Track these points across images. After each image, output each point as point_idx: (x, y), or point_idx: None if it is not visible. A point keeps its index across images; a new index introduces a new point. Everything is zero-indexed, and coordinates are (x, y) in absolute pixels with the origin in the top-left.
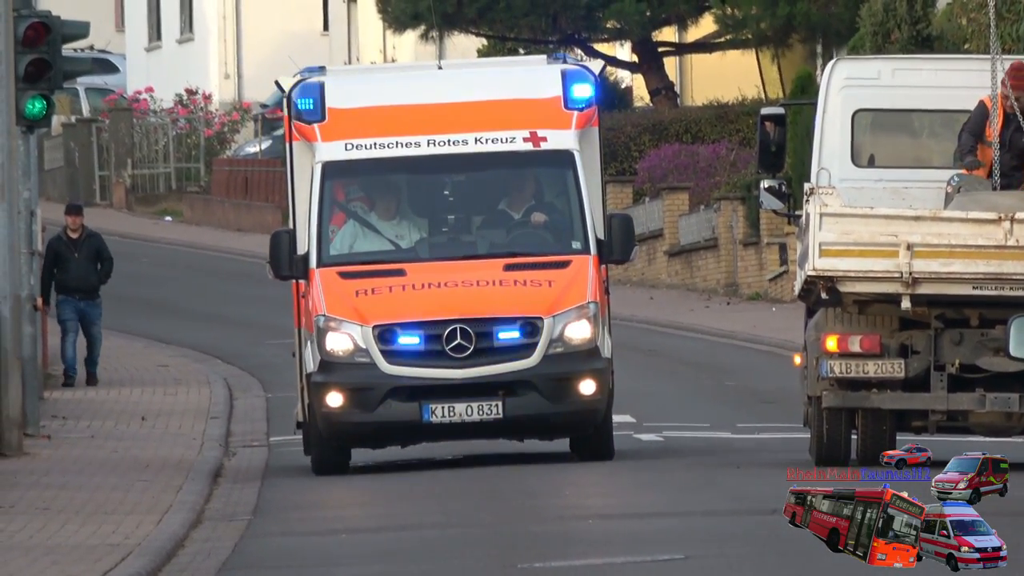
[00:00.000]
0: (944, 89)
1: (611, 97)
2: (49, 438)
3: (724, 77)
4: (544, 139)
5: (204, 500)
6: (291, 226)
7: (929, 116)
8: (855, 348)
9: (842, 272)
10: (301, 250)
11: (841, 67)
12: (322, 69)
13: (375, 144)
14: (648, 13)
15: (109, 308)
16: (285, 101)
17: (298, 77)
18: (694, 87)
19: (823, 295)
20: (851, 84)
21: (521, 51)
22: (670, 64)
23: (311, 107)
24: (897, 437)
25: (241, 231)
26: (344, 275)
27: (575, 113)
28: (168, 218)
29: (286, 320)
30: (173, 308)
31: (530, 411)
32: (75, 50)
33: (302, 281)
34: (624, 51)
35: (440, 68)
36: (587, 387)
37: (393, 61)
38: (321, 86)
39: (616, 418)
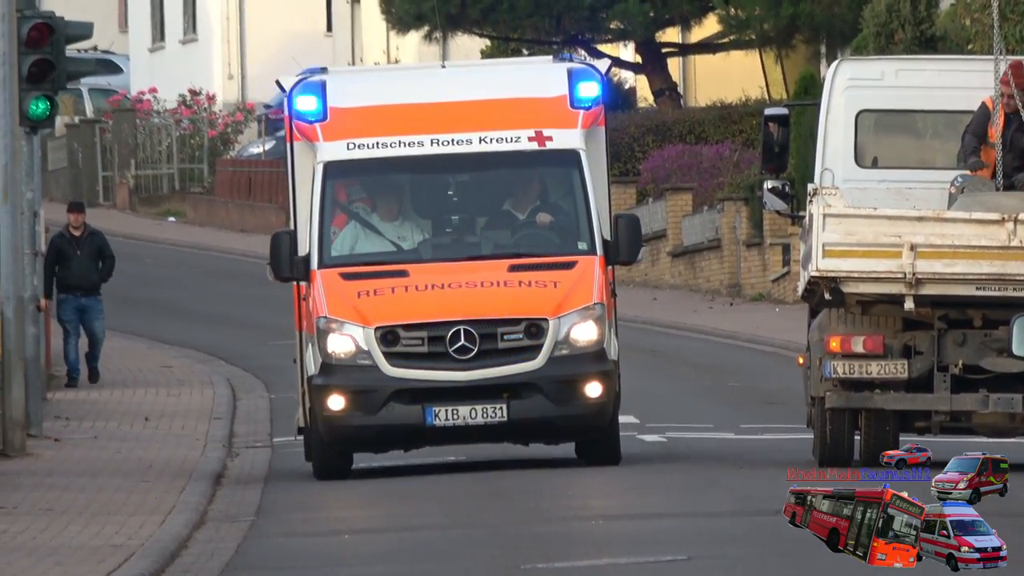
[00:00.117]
0: (948, 90)
1: (615, 98)
2: (57, 440)
3: (728, 78)
4: (550, 138)
5: (207, 501)
6: (292, 227)
7: (932, 117)
8: (858, 349)
9: (845, 273)
10: (302, 251)
11: (845, 68)
12: (324, 70)
13: (377, 143)
14: (652, 14)
15: (112, 309)
16: (286, 100)
17: (299, 76)
18: (698, 88)
19: (826, 296)
20: (855, 85)
21: (525, 52)
22: (674, 65)
23: (312, 106)
24: (900, 438)
25: (244, 232)
26: (346, 276)
27: (581, 112)
28: (172, 219)
29: (289, 321)
30: (176, 309)
31: (535, 414)
32: (79, 51)
33: (303, 283)
34: (628, 52)
35: (444, 67)
36: (593, 390)
37: (397, 62)
38: (323, 85)
39: (619, 419)
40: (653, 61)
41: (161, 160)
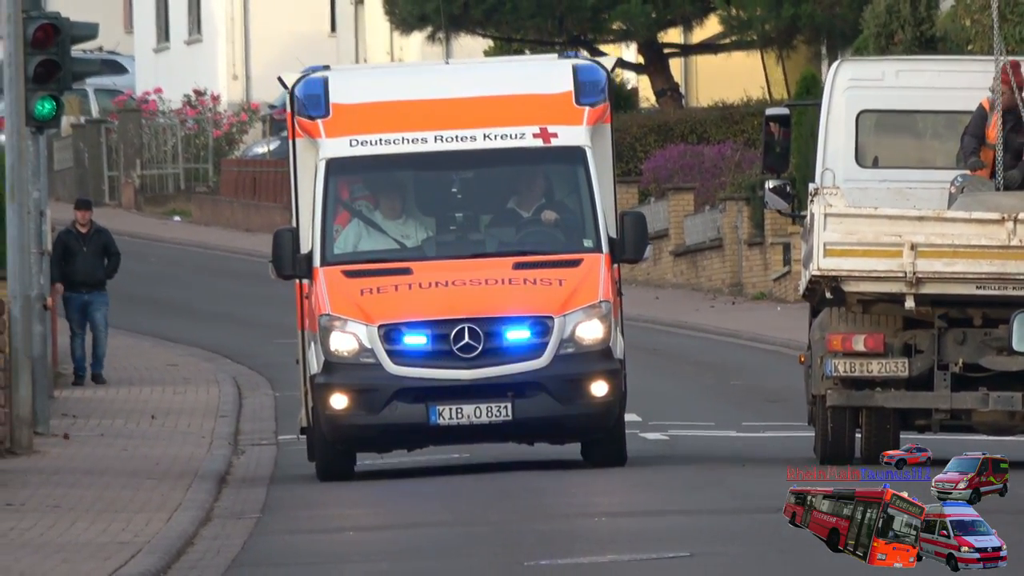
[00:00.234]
0: (948, 90)
1: (617, 98)
2: (67, 437)
3: (729, 78)
4: (555, 135)
5: (213, 498)
6: (294, 224)
7: (933, 117)
8: (859, 347)
9: (846, 272)
10: (304, 249)
11: (845, 68)
12: (327, 68)
13: (380, 140)
14: (653, 14)
15: (118, 307)
16: (288, 97)
17: (301, 73)
18: (699, 88)
19: (827, 295)
20: (855, 85)
21: (527, 52)
22: (675, 65)
23: (315, 103)
24: (901, 436)
25: (249, 231)
26: (349, 274)
27: (586, 109)
28: (177, 218)
29: (294, 319)
30: (182, 307)
31: (540, 413)
32: (84, 51)
33: (306, 282)
34: (630, 52)
35: (447, 64)
36: (599, 388)
37: (400, 62)
38: (325, 81)
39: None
40: (655, 61)
41: (166, 160)
